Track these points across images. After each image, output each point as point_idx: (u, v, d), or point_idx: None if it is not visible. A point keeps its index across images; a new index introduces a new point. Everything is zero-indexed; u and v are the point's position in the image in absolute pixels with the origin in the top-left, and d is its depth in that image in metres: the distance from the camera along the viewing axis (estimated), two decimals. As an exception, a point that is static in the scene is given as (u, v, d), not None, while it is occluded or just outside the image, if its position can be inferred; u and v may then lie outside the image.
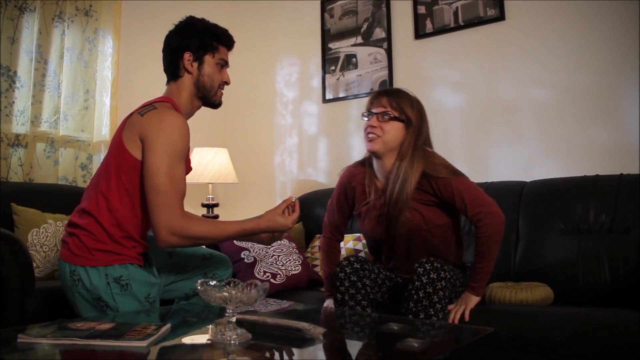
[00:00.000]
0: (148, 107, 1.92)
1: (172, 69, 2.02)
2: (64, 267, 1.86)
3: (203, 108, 2.15)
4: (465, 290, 2.06)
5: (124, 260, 1.85)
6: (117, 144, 1.90)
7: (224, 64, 2.07)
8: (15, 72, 3.11)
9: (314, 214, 3.32)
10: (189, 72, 2.00)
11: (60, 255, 1.89)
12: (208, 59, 2.02)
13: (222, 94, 2.09)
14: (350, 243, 2.91)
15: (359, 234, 2.97)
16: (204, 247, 2.21)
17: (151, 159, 1.80)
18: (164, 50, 2.06)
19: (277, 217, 1.91)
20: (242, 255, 2.76)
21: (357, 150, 3.63)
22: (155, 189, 1.78)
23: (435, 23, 3.31)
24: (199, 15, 2.19)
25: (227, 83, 2.09)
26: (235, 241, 2.80)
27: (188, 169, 2.01)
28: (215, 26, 2.09)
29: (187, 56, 1.99)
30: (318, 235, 3.13)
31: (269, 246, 2.74)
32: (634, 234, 2.30)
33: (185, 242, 1.84)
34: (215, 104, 2.09)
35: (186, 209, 2.63)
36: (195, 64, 2.00)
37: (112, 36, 3.55)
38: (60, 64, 3.30)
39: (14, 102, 3.10)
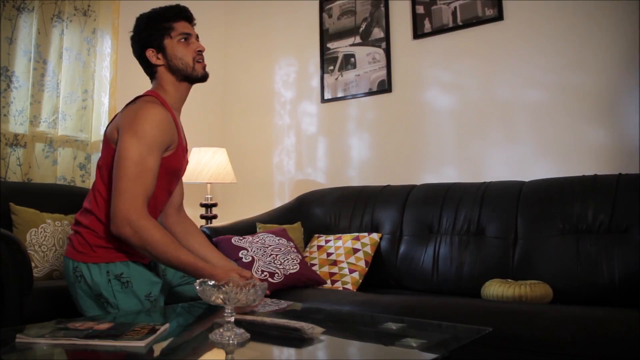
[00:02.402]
0: (130, 103, 1.93)
1: (147, 69, 2.03)
2: (68, 264, 1.87)
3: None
4: None
5: (125, 258, 1.84)
6: (104, 141, 1.92)
7: (187, 36, 1.99)
8: (13, 72, 3.11)
9: (313, 214, 3.33)
10: (159, 65, 1.98)
11: (65, 252, 1.91)
12: (167, 42, 1.97)
13: (202, 65, 2.00)
14: (349, 242, 2.91)
15: (357, 234, 2.97)
16: None
17: (120, 146, 1.78)
18: (136, 58, 2.04)
19: (234, 278, 1.72)
20: (240, 255, 2.76)
21: (356, 150, 3.63)
22: (120, 173, 1.74)
23: (434, 23, 3.31)
24: (197, 15, 2.18)
25: (200, 52, 2.00)
26: (232, 241, 2.80)
27: (178, 163, 1.97)
28: (158, 10, 2.02)
29: (150, 52, 1.97)
30: (317, 235, 3.14)
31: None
32: (633, 234, 2.30)
33: (135, 240, 1.73)
34: (199, 78, 2.00)
35: (185, 208, 2.63)
36: (160, 54, 1.97)
37: (110, 36, 3.54)
38: (59, 64, 3.30)
39: (12, 102, 3.10)
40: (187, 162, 2.09)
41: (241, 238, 2.84)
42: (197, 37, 2.03)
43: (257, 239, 2.85)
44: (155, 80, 2.02)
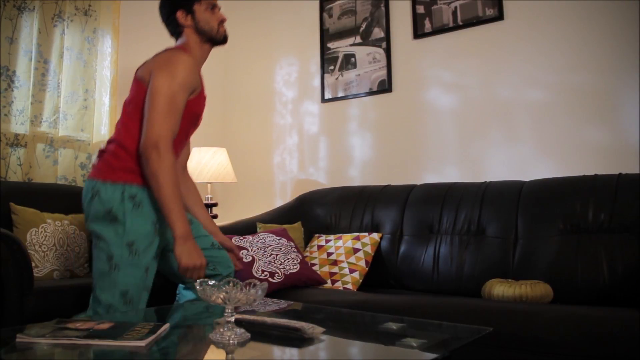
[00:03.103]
0: (160, 52, 2.13)
1: (173, 30, 2.20)
2: (87, 187, 2.01)
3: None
4: None
5: (142, 183, 1.97)
6: (134, 80, 2.10)
7: (214, 6, 2.21)
8: (14, 72, 3.11)
9: (314, 214, 3.33)
10: (187, 26, 2.16)
11: (87, 178, 2.06)
12: (197, 7, 2.16)
13: (224, 29, 2.23)
14: (350, 242, 2.91)
15: (357, 233, 2.97)
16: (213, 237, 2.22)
17: (154, 83, 1.96)
18: (163, 21, 2.22)
19: (193, 251, 1.91)
20: (240, 254, 2.76)
21: (357, 150, 3.63)
22: (154, 106, 1.93)
23: (434, 23, 3.31)
24: None
25: (223, 20, 2.23)
26: (232, 240, 2.80)
27: (199, 108, 2.18)
28: None
29: (180, 14, 2.15)
30: (317, 235, 3.14)
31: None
32: (633, 233, 2.30)
33: (154, 165, 1.89)
34: (221, 40, 2.24)
35: None
36: (189, 16, 2.15)
37: (111, 36, 3.55)
38: (60, 64, 3.30)
39: (12, 102, 3.10)
40: (203, 105, 2.24)
41: (241, 238, 2.84)
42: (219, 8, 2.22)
43: (258, 239, 2.85)
44: (181, 39, 2.19)
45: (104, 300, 1.93)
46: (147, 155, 1.90)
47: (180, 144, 2.16)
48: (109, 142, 2.06)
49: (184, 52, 2.08)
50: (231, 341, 1.40)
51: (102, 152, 2.06)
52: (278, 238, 2.90)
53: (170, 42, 2.25)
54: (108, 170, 1.97)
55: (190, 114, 2.11)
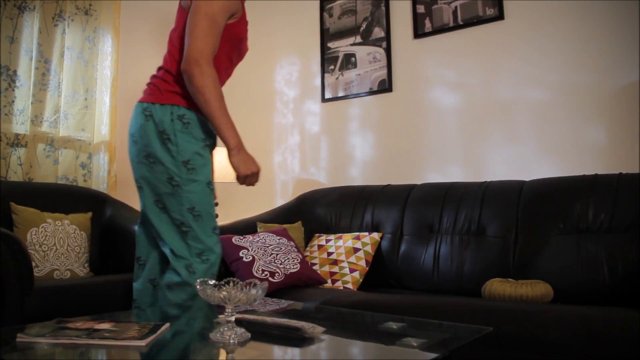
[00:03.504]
0: None
1: None
2: (138, 109, 2.06)
3: None
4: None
5: (188, 105, 2.02)
6: (178, 10, 2.13)
7: None
8: (14, 72, 3.11)
9: (315, 214, 3.33)
10: None
11: (138, 101, 2.09)
12: None
13: None
14: (350, 242, 2.91)
15: (357, 233, 2.97)
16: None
17: (195, 3, 1.97)
18: None
19: (248, 159, 2.09)
20: (241, 254, 2.76)
21: (358, 149, 3.63)
22: (194, 23, 1.95)
23: (434, 22, 3.31)
24: None
25: None
26: (233, 240, 2.80)
27: (240, 32, 2.12)
28: None
29: None
30: (317, 234, 3.14)
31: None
32: (633, 233, 2.30)
33: (197, 81, 1.93)
34: None
35: None
36: None
37: (111, 35, 3.55)
38: (61, 63, 3.30)
39: (13, 102, 3.10)
40: (247, 42, 2.20)
41: (241, 237, 2.84)
42: None
43: (258, 239, 2.85)
44: None
45: (177, 218, 1.99)
46: (190, 72, 1.92)
47: (226, 72, 2.18)
48: (158, 69, 2.13)
49: None
50: (231, 341, 1.40)
51: (151, 79, 2.12)
52: (278, 238, 2.90)
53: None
54: (157, 93, 2.03)
55: (232, 37, 2.09)
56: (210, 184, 2.07)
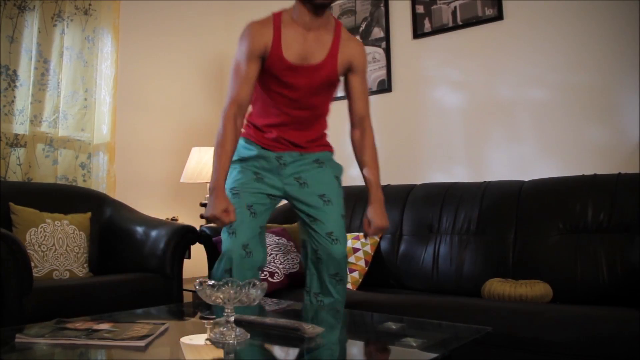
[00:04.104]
0: None
1: None
2: None
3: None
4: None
5: (245, 135, 2.25)
6: None
7: None
8: (14, 71, 3.11)
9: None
10: None
11: None
12: None
13: None
14: (349, 242, 2.91)
15: (357, 233, 2.97)
16: None
17: None
18: None
19: (212, 202, 2.03)
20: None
21: (356, 150, 3.62)
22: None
23: (434, 23, 3.31)
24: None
25: None
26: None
27: (273, 67, 2.12)
28: None
29: None
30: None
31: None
32: (632, 233, 2.30)
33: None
34: (316, 3, 2.06)
35: (185, 208, 2.60)
36: None
37: (111, 35, 3.54)
38: (60, 63, 3.30)
39: (13, 101, 3.10)
40: (287, 75, 2.14)
41: None
42: None
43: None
44: None
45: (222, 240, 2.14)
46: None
47: (283, 107, 2.19)
48: None
49: (253, 21, 2.20)
50: (231, 341, 1.40)
51: None
52: (278, 238, 2.90)
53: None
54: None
55: (268, 72, 2.13)
56: (232, 189, 2.16)
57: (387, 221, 2.17)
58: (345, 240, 2.19)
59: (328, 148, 2.40)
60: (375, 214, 2.18)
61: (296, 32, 2.12)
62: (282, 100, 2.18)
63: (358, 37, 3.65)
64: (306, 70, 2.12)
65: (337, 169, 2.40)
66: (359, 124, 2.35)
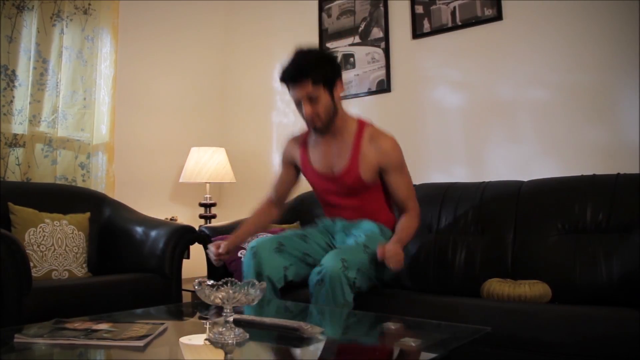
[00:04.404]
0: None
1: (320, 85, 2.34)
2: None
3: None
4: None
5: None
6: None
7: (297, 101, 2.33)
8: (13, 71, 3.11)
9: (313, 213, 3.32)
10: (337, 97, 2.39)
11: None
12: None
13: (312, 124, 2.32)
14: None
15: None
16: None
17: None
18: (318, 73, 2.31)
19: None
20: (240, 254, 2.76)
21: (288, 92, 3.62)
22: None
23: (433, 23, 3.31)
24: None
25: (308, 116, 2.30)
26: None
27: (306, 175, 2.53)
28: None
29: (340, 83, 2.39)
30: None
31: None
32: (631, 234, 2.30)
33: None
34: (313, 129, 2.40)
35: (184, 208, 2.59)
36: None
37: (110, 35, 3.54)
38: (59, 63, 3.29)
39: (12, 101, 3.10)
40: (319, 180, 2.47)
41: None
42: (309, 97, 2.26)
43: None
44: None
45: None
46: None
47: (327, 199, 2.52)
48: None
49: (295, 135, 2.64)
50: (230, 341, 1.40)
51: None
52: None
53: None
54: None
55: (309, 180, 2.54)
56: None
57: (397, 249, 2.15)
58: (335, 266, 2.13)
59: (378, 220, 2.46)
60: (389, 242, 2.20)
61: (320, 145, 2.43)
62: (326, 195, 2.51)
63: (357, 38, 3.65)
64: (334, 178, 2.39)
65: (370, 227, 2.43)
66: (401, 209, 2.46)
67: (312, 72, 2.23)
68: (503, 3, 3.05)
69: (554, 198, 2.55)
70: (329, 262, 2.08)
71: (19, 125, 3.13)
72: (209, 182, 3.71)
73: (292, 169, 2.57)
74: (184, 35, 4.11)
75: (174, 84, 4.09)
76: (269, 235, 2.57)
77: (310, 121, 2.30)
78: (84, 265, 2.83)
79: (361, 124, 2.39)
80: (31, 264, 2.41)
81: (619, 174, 2.47)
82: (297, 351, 1.48)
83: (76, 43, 3.40)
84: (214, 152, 3.71)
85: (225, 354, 1.38)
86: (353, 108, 3.65)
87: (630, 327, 1.75)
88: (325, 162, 2.40)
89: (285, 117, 4.04)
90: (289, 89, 2.32)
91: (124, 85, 3.68)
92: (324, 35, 3.82)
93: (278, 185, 2.63)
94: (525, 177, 2.79)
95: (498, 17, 3.06)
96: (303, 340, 1.49)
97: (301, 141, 2.51)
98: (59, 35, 3.30)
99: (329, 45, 3.78)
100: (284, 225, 3.14)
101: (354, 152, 2.32)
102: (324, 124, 2.30)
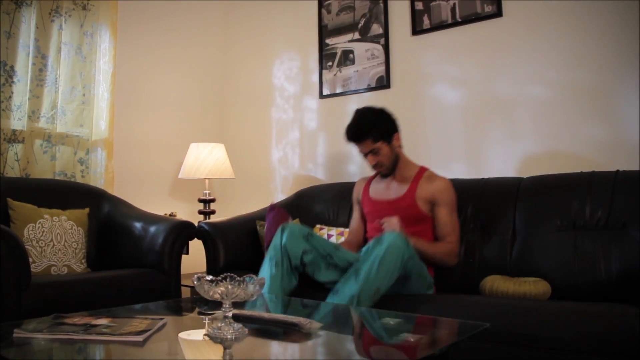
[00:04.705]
0: None
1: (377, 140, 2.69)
2: None
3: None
4: None
5: None
6: None
7: (364, 154, 2.69)
8: (12, 67, 3.10)
9: (313, 209, 3.33)
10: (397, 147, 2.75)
11: None
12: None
13: (378, 171, 2.72)
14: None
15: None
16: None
17: None
18: (375, 128, 2.67)
19: None
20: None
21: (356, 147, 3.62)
22: None
23: (433, 19, 3.30)
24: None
25: (373, 166, 2.69)
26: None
27: (365, 209, 2.81)
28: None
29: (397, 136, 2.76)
30: (319, 226, 3.14)
31: None
32: (630, 230, 2.30)
33: None
34: (380, 175, 2.77)
35: (183, 203, 2.56)
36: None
37: (109, 31, 3.53)
38: (58, 59, 3.29)
39: (10, 97, 3.09)
40: (374, 208, 2.75)
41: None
42: (372, 150, 2.64)
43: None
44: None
45: None
46: None
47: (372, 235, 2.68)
48: None
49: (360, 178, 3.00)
50: (228, 336, 1.40)
51: None
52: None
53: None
54: None
55: (366, 215, 2.82)
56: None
57: (396, 220, 2.50)
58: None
59: None
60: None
61: (382, 182, 2.77)
62: (370, 233, 2.74)
63: (356, 34, 3.65)
64: (389, 202, 2.67)
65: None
66: (442, 240, 2.64)
67: (372, 131, 2.61)
68: (503, 0, 3.04)
69: (553, 195, 2.55)
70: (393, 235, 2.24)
71: (17, 121, 3.12)
72: (208, 178, 3.71)
73: (360, 207, 2.85)
74: (183, 31, 4.10)
75: (173, 80, 4.08)
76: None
77: (376, 169, 2.71)
78: (83, 261, 2.83)
79: (422, 169, 2.72)
80: (30, 260, 2.41)
81: (618, 170, 2.47)
82: (296, 347, 1.48)
83: (75, 39, 3.40)
84: (213, 147, 3.71)
85: (224, 349, 1.38)
86: (352, 104, 3.65)
87: (629, 324, 1.75)
88: (384, 192, 2.73)
89: (284, 114, 4.04)
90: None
91: (123, 81, 3.67)
92: (324, 31, 3.81)
93: (353, 224, 2.88)
94: (524, 174, 2.79)
95: (498, 13, 3.06)
96: (302, 336, 1.49)
97: (368, 181, 2.87)
98: (58, 31, 3.30)
99: (328, 41, 3.78)
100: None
101: (412, 186, 2.65)
102: (388, 169, 2.68)
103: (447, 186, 2.63)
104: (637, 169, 2.50)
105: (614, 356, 1.70)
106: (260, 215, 3.23)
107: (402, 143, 2.76)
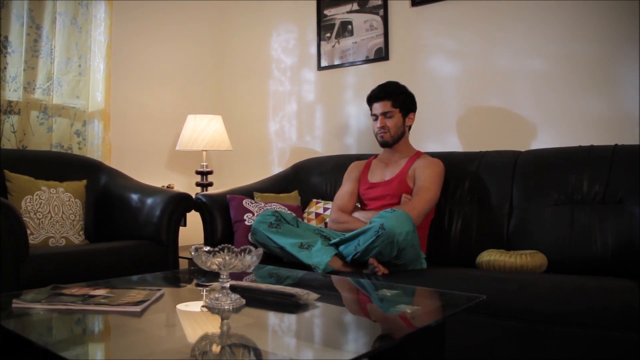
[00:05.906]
0: None
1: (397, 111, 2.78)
2: None
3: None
4: None
5: None
6: None
7: (374, 116, 2.78)
8: (6, 37, 3.06)
9: (310, 182, 3.33)
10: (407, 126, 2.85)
11: None
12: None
13: (381, 136, 2.76)
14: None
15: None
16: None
17: None
18: (401, 101, 2.79)
19: None
20: (245, 217, 2.80)
21: (354, 119, 3.61)
22: None
23: (433, -10, 3.26)
24: None
25: (379, 128, 2.75)
26: (243, 202, 2.93)
27: (361, 190, 2.84)
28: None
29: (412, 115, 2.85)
30: (315, 200, 3.14)
31: None
32: (627, 205, 2.31)
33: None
34: (379, 143, 2.81)
35: (181, 176, 2.52)
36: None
37: (105, 1, 3.48)
38: (53, 29, 3.25)
39: (5, 68, 3.06)
40: (369, 189, 2.80)
41: (252, 202, 2.93)
42: (386, 113, 2.73)
43: (267, 207, 2.89)
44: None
45: None
46: None
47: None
48: None
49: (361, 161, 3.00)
50: (226, 307, 1.41)
51: None
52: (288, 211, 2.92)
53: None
54: None
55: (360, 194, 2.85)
56: None
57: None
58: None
59: None
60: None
61: (379, 164, 2.85)
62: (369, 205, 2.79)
63: (355, 5, 3.60)
64: (382, 183, 2.74)
65: None
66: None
67: (393, 95, 2.73)
68: (504, -30, 3.01)
69: (551, 169, 2.55)
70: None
71: (13, 92, 3.10)
72: (206, 150, 3.70)
73: (355, 184, 2.87)
74: (180, 1, 4.05)
75: (170, 51, 4.04)
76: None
77: (379, 134, 2.75)
78: (81, 233, 2.84)
79: (418, 152, 2.80)
80: (28, 232, 2.42)
81: (616, 145, 2.46)
82: (293, 317, 1.49)
83: (70, 9, 3.35)
84: (210, 119, 3.69)
85: (222, 319, 1.39)
86: (350, 76, 3.63)
87: (625, 297, 1.77)
88: (380, 176, 2.79)
89: (281, 86, 4.01)
90: (371, 109, 2.80)
91: (119, 52, 3.63)
92: (322, 2, 3.76)
93: (343, 199, 2.81)
94: (522, 147, 2.78)
95: (498, -16, 3.02)
96: (299, 307, 1.50)
97: (365, 165, 2.92)
98: (53, 1, 3.25)
99: (326, 12, 3.73)
100: (281, 195, 3.14)
101: (405, 167, 2.72)
102: (391, 138, 2.73)
103: (435, 163, 2.69)
104: (636, 143, 2.50)
105: (610, 329, 1.72)
106: (257, 187, 3.23)
107: (413, 126, 2.85)
